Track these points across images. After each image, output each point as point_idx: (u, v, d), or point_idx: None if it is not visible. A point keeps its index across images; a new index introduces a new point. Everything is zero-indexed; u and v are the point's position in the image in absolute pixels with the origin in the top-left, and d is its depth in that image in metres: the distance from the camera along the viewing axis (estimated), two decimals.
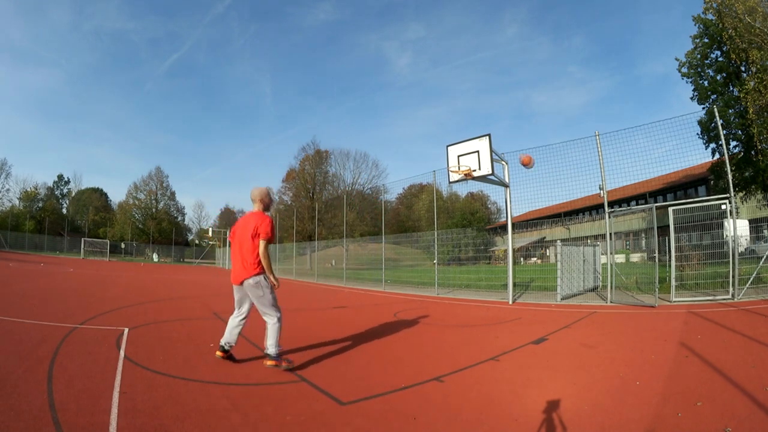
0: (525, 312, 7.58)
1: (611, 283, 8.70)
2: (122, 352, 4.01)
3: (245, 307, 3.75)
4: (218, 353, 3.73)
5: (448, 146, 8.95)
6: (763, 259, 7.94)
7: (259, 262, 3.56)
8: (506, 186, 9.38)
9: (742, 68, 15.00)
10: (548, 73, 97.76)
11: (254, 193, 3.83)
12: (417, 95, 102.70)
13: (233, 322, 3.74)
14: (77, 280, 13.45)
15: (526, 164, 8.88)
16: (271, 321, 3.60)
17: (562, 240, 10.33)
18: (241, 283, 3.60)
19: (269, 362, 3.57)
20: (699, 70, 16.15)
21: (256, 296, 3.58)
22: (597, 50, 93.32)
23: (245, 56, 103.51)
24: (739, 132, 14.83)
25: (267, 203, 3.83)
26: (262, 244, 3.55)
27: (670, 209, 8.13)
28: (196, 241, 66.26)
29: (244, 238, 3.60)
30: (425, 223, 40.65)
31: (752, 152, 14.72)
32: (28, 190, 54.98)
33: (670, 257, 8.13)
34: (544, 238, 31.45)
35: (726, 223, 8.10)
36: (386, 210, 38.22)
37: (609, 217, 9.06)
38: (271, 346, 3.57)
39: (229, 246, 3.64)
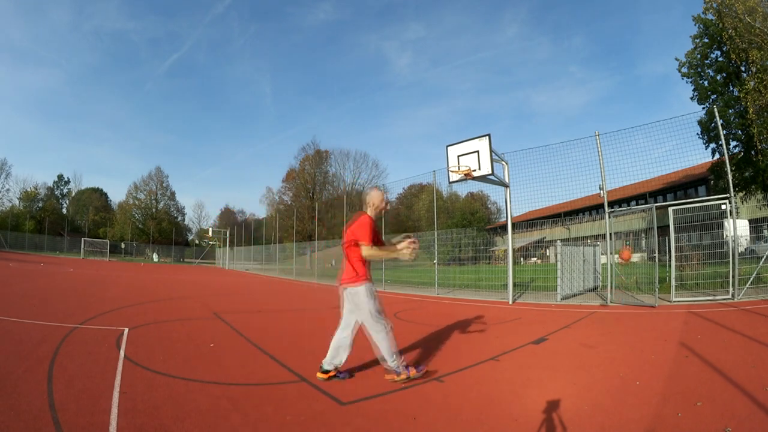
0: (525, 312, 7.58)
1: (611, 283, 8.70)
2: (122, 352, 4.01)
3: (348, 314, 3.45)
4: (319, 375, 3.37)
5: (448, 146, 8.94)
6: (763, 259, 7.94)
7: (362, 268, 3.33)
8: (506, 186, 9.38)
9: (742, 68, 15.01)
10: (548, 73, 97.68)
11: (367, 196, 3.63)
12: (417, 95, 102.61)
13: (343, 338, 3.43)
14: (77, 280, 13.45)
15: (626, 259, 8.47)
16: (375, 335, 3.30)
17: (562, 240, 10.33)
18: (344, 288, 3.42)
19: (388, 377, 3.29)
20: (699, 70, 16.15)
21: (355, 305, 3.36)
22: (597, 50, 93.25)
23: (245, 56, 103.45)
24: (739, 132, 14.84)
25: (380, 208, 3.54)
26: (363, 248, 3.30)
27: (670, 209, 8.13)
28: (196, 241, 66.24)
29: (348, 240, 3.40)
30: (425, 223, 40.63)
31: (752, 152, 14.72)
32: (28, 190, 55.00)
33: (670, 257, 8.13)
34: (544, 238, 31.46)
35: (726, 223, 8.10)
36: (386, 210, 38.11)
37: (609, 217, 9.06)
38: (386, 359, 3.26)
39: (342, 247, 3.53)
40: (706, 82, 16.04)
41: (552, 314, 7.22)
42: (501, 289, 10.82)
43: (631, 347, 4.52)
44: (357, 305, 3.32)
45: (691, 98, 16.33)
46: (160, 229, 54.04)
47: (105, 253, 41.78)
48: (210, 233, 43.83)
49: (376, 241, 3.39)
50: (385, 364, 3.29)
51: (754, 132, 13.92)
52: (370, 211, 3.48)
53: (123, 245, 49.95)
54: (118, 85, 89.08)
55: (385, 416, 2.62)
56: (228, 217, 73.05)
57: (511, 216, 9.45)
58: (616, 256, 8.56)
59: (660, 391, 2.96)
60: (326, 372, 3.34)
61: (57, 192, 61.56)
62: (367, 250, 3.28)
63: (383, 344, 3.26)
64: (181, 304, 8.59)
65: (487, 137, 8.32)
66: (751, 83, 13.86)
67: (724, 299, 7.62)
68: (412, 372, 3.30)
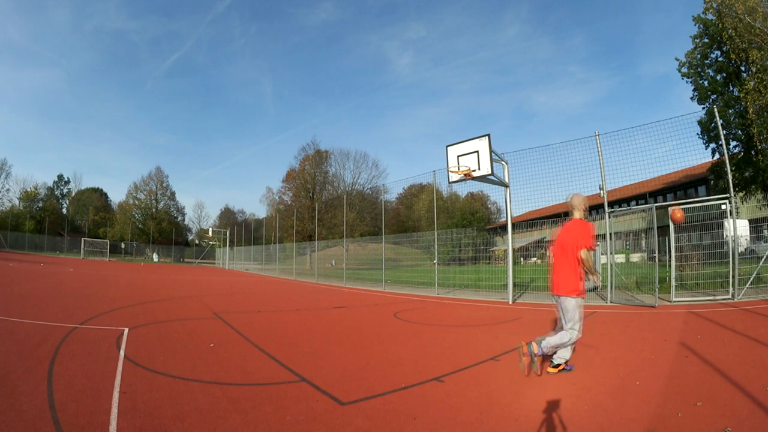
0: (525, 312, 7.58)
1: (611, 283, 8.70)
2: (122, 352, 4.01)
3: (562, 317, 3.67)
4: (551, 369, 3.56)
5: (447, 146, 8.94)
6: (763, 259, 7.94)
7: (580, 278, 3.52)
8: (506, 186, 9.38)
9: (742, 68, 15.00)
10: (548, 73, 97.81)
11: (575, 200, 3.75)
12: (417, 95, 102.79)
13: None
14: (77, 280, 13.45)
15: (678, 220, 8.17)
16: (568, 333, 3.50)
17: None
18: (559, 295, 3.60)
19: (538, 359, 3.49)
20: (699, 70, 16.15)
21: (566, 310, 3.57)
22: (597, 50, 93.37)
23: (246, 56, 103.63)
24: (739, 132, 14.84)
25: (587, 210, 3.79)
26: (583, 253, 3.48)
27: (670, 209, 8.12)
28: (196, 241, 66.26)
29: (568, 248, 3.56)
30: (425, 223, 40.63)
31: (752, 152, 14.72)
32: (28, 190, 55.02)
33: (670, 257, 8.13)
34: (544, 238, 31.44)
35: (726, 223, 8.10)
36: (386, 210, 38.22)
37: (609, 217, 9.06)
38: (546, 345, 3.46)
39: (551, 256, 3.79)
40: (706, 82, 16.04)
41: (552, 314, 7.21)
42: (501, 289, 10.82)
43: (631, 347, 4.52)
44: (567, 309, 3.57)
45: (691, 98, 16.34)
46: (160, 229, 54.03)
47: (105, 253, 41.80)
48: (210, 233, 43.84)
49: None
50: (542, 344, 3.50)
51: (754, 132, 13.91)
52: (581, 215, 3.69)
53: (123, 245, 49.95)
54: (118, 85, 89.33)
55: (385, 416, 2.62)
56: (228, 217, 73.11)
57: (511, 216, 9.45)
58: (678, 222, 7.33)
59: (660, 391, 2.96)
60: (557, 366, 3.57)
61: (57, 192, 61.58)
62: (586, 254, 3.49)
63: (562, 337, 3.48)
64: (181, 304, 8.59)
65: (487, 137, 8.32)
66: (751, 83, 13.85)
67: (724, 299, 7.61)
68: (538, 361, 3.50)
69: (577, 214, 3.71)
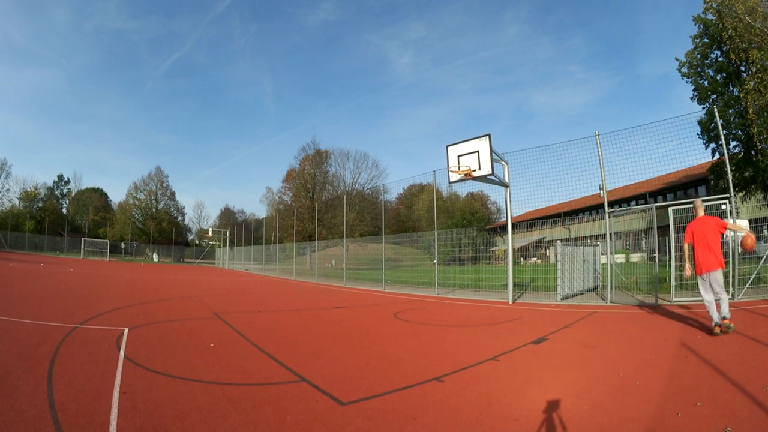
0: (525, 312, 7.58)
1: (611, 283, 8.70)
2: (122, 352, 4.01)
3: (717, 288, 4.86)
4: (717, 330, 4.69)
5: (448, 146, 8.94)
6: (763, 259, 7.94)
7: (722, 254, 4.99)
8: (506, 186, 9.38)
9: (742, 68, 14.98)
10: (549, 73, 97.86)
11: (697, 203, 5.37)
12: (417, 95, 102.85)
13: (713, 302, 4.86)
14: (77, 280, 13.45)
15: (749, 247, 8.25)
16: (725, 296, 4.81)
17: (562, 240, 10.33)
18: (715, 270, 4.86)
19: (726, 321, 4.67)
20: (699, 70, 16.12)
21: (718, 281, 4.85)
22: (598, 50, 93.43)
23: (246, 56, 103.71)
24: (739, 132, 14.81)
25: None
26: (728, 230, 5.32)
27: (670, 209, 8.13)
28: (196, 241, 66.25)
29: (711, 235, 4.93)
30: (425, 223, 40.63)
31: (752, 152, 14.70)
32: (28, 190, 55.01)
33: (670, 257, 8.12)
34: (544, 238, 31.45)
35: None
36: (386, 210, 38.24)
37: (609, 217, 9.06)
38: (725, 312, 4.70)
39: (691, 242, 5.18)
40: (706, 82, 16.02)
41: (552, 314, 7.21)
42: (501, 289, 10.82)
43: (631, 347, 4.52)
44: (718, 280, 4.86)
45: (691, 98, 16.31)
46: (160, 229, 54.02)
47: (105, 253, 41.79)
48: (210, 233, 43.83)
49: None
50: (727, 315, 4.71)
51: (754, 132, 13.89)
52: (703, 212, 5.26)
53: (123, 245, 49.94)
54: (118, 85, 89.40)
55: (385, 416, 2.62)
56: (228, 217, 73.11)
57: (511, 216, 9.45)
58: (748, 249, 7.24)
59: (660, 391, 2.96)
60: (722, 322, 4.73)
61: (57, 192, 61.58)
62: (730, 228, 5.38)
63: (726, 302, 4.79)
64: (181, 304, 8.59)
65: (487, 137, 8.32)
66: (751, 83, 13.83)
67: None
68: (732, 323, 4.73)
69: (701, 212, 5.23)
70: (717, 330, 4.71)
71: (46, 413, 2.43)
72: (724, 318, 4.71)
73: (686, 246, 5.27)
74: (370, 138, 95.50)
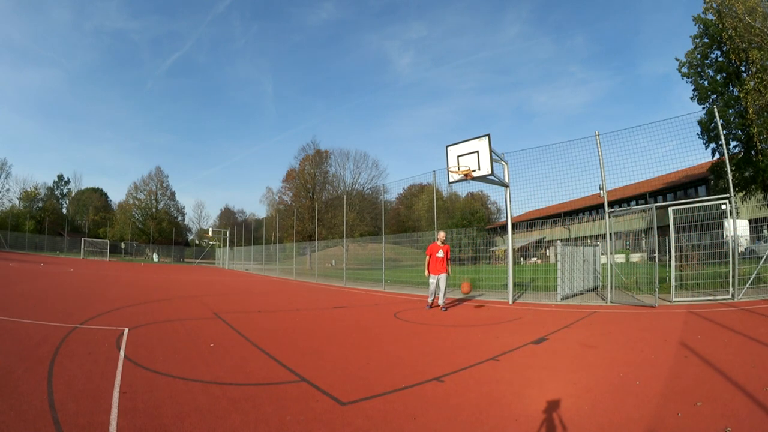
0: (525, 312, 7.58)
1: (611, 283, 8.69)
2: (122, 352, 4.01)
3: None
4: None
5: (447, 146, 8.93)
6: (763, 259, 7.93)
7: None
8: (506, 186, 9.37)
9: (742, 68, 14.98)
10: (549, 73, 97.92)
11: None
12: (418, 95, 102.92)
13: None
14: (77, 280, 13.45)
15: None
16: None
17: (562, 240, 10.32)
18: None
19: None
20: (699, 70, 16.12)
21: None
22: (598, 50, 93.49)
23: (246, 56, 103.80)
24: (739, 132, 14.81)
25: None
26: None
27: (670, 209, 8.12)
28: (196, 241, 66.26)
29: None
30: (425, 223, 40.62)
31: (752, 152, 14.70)
32: (28, 190, 55.02)
33: (670, 257, 8.12)
34: (544, 238, 31.46)
35: (726, 223, 8.10)
36: (386, 210, 38.20)
37: (609, 217, 9.06)
38: None
39: None
40: (706, 82, 16.02)
41: (552, 314, 7.21)
42: (501, 289, 10.82)
43: (631, 347, 4.52)
44: None
45: (691, 98, 16.31)
46: (160, 229, 54.01)
47: (105, 253, 41.78)
48: (210, 233, 43.83)
49: None
50: None
51: (754, 132, 13.89)
52: None
53: (123, 245, 49.94)
54: (118, 85, 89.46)
55: (385, 416, 2.62)
56: (228, 217, 73.13)
57: (511, 216, 9.44)
58: None
59: (660, 391, 2.96)
60: None
61: (57, 192, 61.58)
62: None
63: None
64: (181, 304, 8.59)
65: (487, 137, 8.32)
66: (751, 83, 13.83)
67: (724, 299, 7.61)
68: None
69: None
70: None
71: (46, 413, 2.43)
72: None
73: None
74: (370, 138, 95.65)
